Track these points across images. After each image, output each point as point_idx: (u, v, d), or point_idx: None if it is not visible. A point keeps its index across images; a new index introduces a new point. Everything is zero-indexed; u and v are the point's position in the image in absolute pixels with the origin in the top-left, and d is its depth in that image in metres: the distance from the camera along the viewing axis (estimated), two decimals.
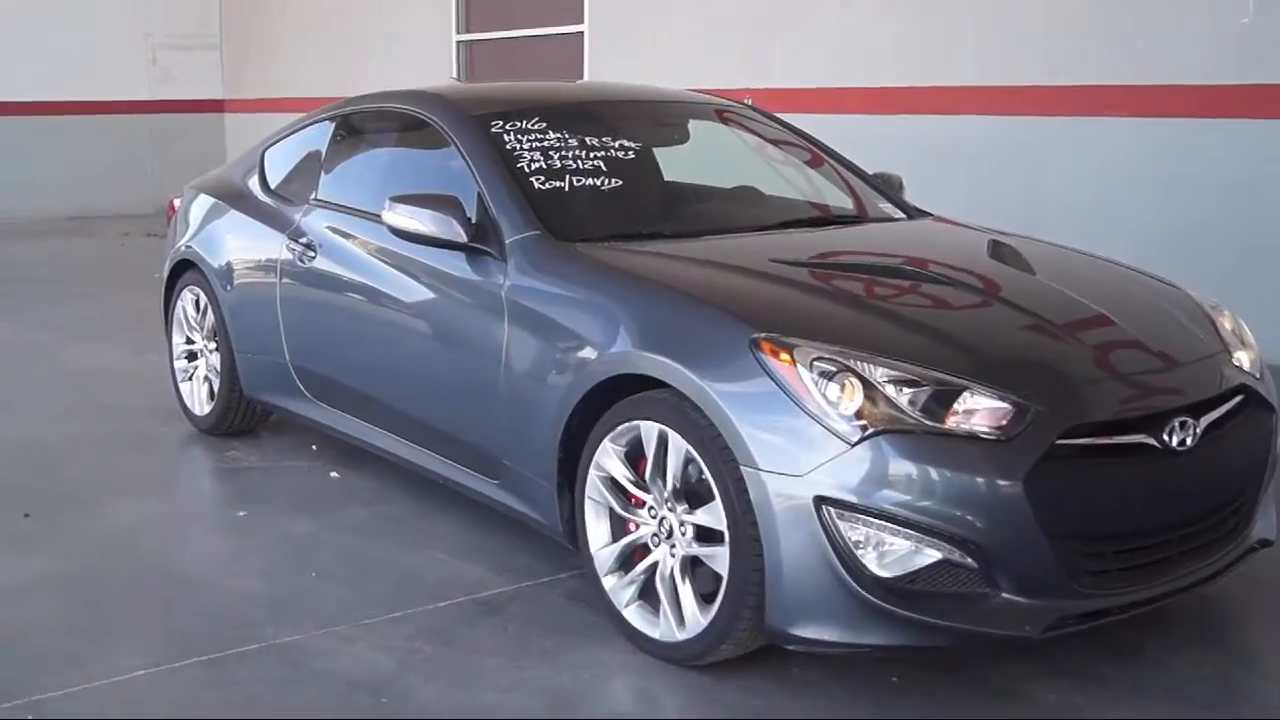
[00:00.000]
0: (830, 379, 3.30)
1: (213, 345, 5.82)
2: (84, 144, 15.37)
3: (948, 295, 3.96)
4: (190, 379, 6.03)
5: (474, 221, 4.27)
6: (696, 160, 5.14)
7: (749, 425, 3.35)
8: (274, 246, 5.32)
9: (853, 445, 3.24)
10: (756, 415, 3.36)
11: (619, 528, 3.81)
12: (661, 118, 5.18)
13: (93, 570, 4.38)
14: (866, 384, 3.31)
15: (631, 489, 3.74)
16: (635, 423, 3.66)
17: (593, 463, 3.79)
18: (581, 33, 11.45)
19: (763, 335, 3.43)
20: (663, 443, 3.59)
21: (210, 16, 16.42)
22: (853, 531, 3.26)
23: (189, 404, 6.01)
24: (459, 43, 12.95)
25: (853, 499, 3.24)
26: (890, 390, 3.32)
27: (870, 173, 5.24)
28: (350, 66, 14.04)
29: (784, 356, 3.36)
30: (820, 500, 3.25)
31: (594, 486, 3.81)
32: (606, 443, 3.74)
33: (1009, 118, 8.43)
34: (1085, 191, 7.81)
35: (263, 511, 4.94)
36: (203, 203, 6.02)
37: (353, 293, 4.90)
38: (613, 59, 11.03)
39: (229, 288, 5.58)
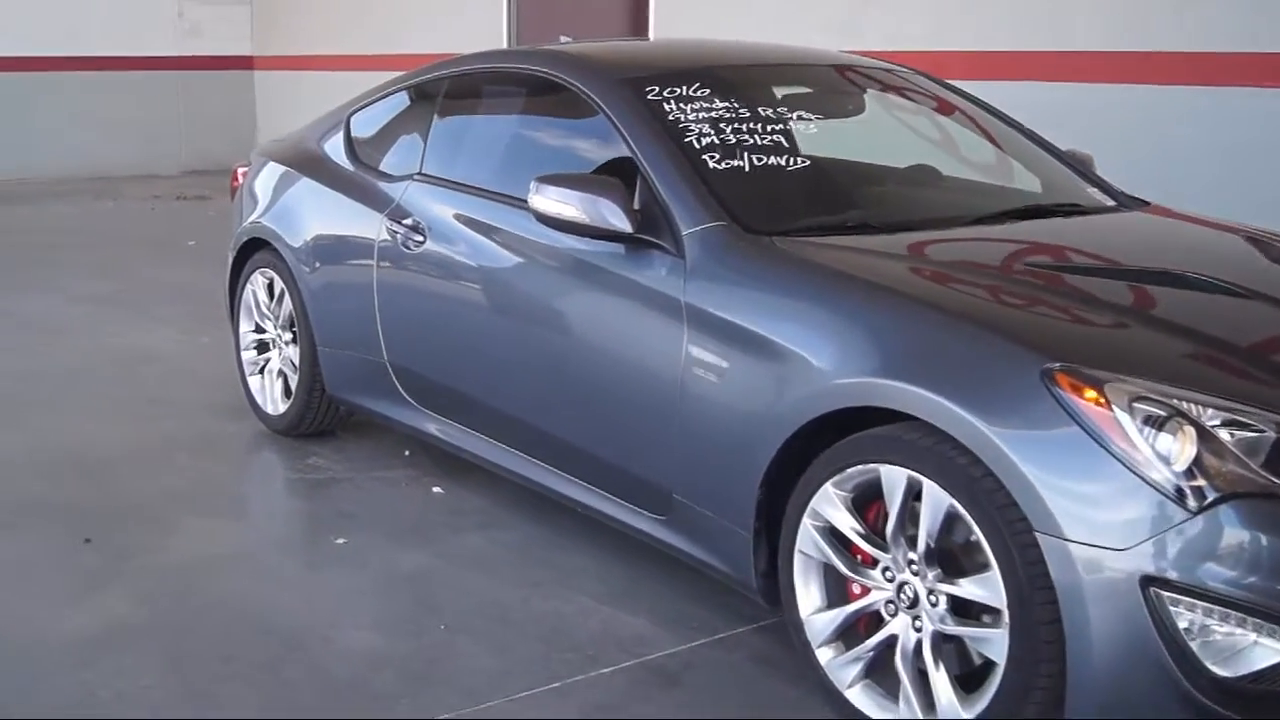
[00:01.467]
0: (1159, 426, 2.55)
1: (289, 336, 5.05)
2: (108, 102, 14.54)
3: (1251, 313, 3.19)
4: (261, 373, 5.26)
5: (638, 208, 3.49)
6: (868, 134, 4.36)
7: (1047, 481, 2.60)
8: (369, 226, 4.55)
9: (1195, 513, 2.49)
10: (1056, 468, 2.60)
11: (839, 590, 3.07)
12: (836, 85, 4.38)
13: (172, 618, 3.64)
14: (1202, 432, 2.55)
15: (861, 544, 2.98)
16: (873, 466, 2.90)
17: (808, 509, 3.04)
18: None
19: (1058, 366, 2.67)
20: (912, 493, 2.83)
21: None
22: (1186, 619, 2.52)
23: (260, 401, 5.25)
24: None
25: (1191, 580, 2.51)
26: (1226, 438, 2.56)
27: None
28: (391, 22, 13.23)
29: (1090, 394, 2.61)
30: (1148, 580, 2.51)
31: (808, 539, 3.06)
32: (829, 487, 2.99)
33: (1132, 86, 7.63)
34: (1216, 166, 7.00)
35: (362, 537, 4.19)
36: (276, 173, 5.24)
37: (474, 285, 4.14)
38: (684, 14, 10.21)
39: (311, 273, 4.80)
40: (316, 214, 4.88)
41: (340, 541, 4.16)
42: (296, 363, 4.96)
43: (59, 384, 5.97)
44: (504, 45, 11.84)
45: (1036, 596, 2.62)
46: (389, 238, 4.43)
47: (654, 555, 3.70)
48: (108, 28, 14.54)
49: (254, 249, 5.23)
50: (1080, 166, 4.37)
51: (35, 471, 4.78)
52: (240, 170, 5.55)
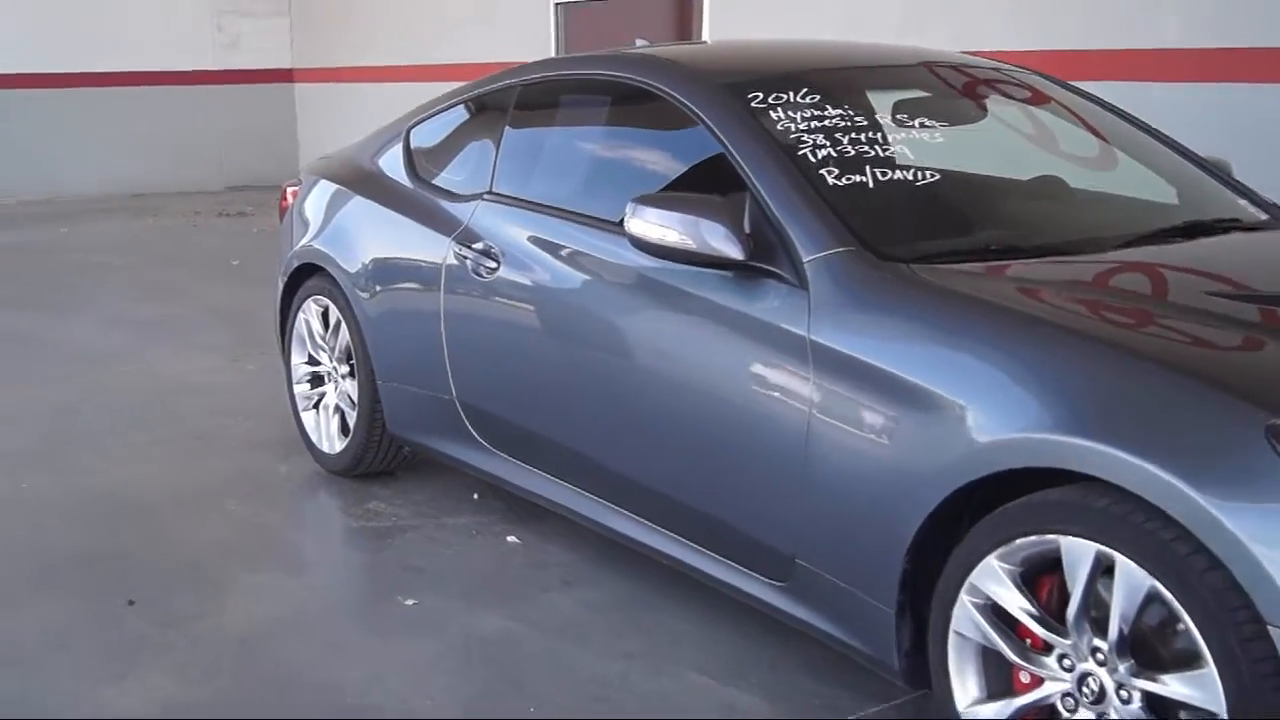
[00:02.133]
0: None
1: (346, 369, 4.64)
2: (147, 117, 14.24)
3: None
4: (316, 408, 4.85)
5: (748, 232, 3.04)
6: (988, 142, 3.89)
7: (1278, 560, 2.13)
8: (434, 251, 4.12)
9: None
10: None
11: (1002, 677, 2.62)
12: (952, 87, 3.91)
13: (232, 698, 3.21)
14: None
15: (1033, 626, 2.52)
16: (1051, 537, 2.44)
17: (966, 584, 2.58)
18: None
19: None
20: (1100, 569, 2.37)
21: None
22: None
23: (315, 439, 4.83)
24: (557, 5, 11.68)
25: None
26: None
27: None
28: (437, 32, 12.84)
29: None
30: None
31: (967, 618, 2.60)
32: (993, 560, 2.53)
33: (1222, 85, 7.12)
34: None
35: (434, 597, 3.76)
36: (328, 192, 4.83)
37: (556, 317, 3.71)
38: (740, 18, 9.77)
39: (370, 301, 4.38)
40: (375, 237, 4.46)
41: (410, 603, 3.73)
42: (355, 398, 4.53)
43: (98, 418, 5.58)
44: (552, 54, 11.43)
45: (1265, 699, 2.15)
46: (457, 263, 4.00)
47: (762, 620, 3.25)
48: (146, 43, 14.24)
49: (306, 275, 4.82)
50: (1221, 174, 3.89)
51: (72, 518, 4.38)
52: (289, 189, 5.13)
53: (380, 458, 4.62)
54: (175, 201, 13.52)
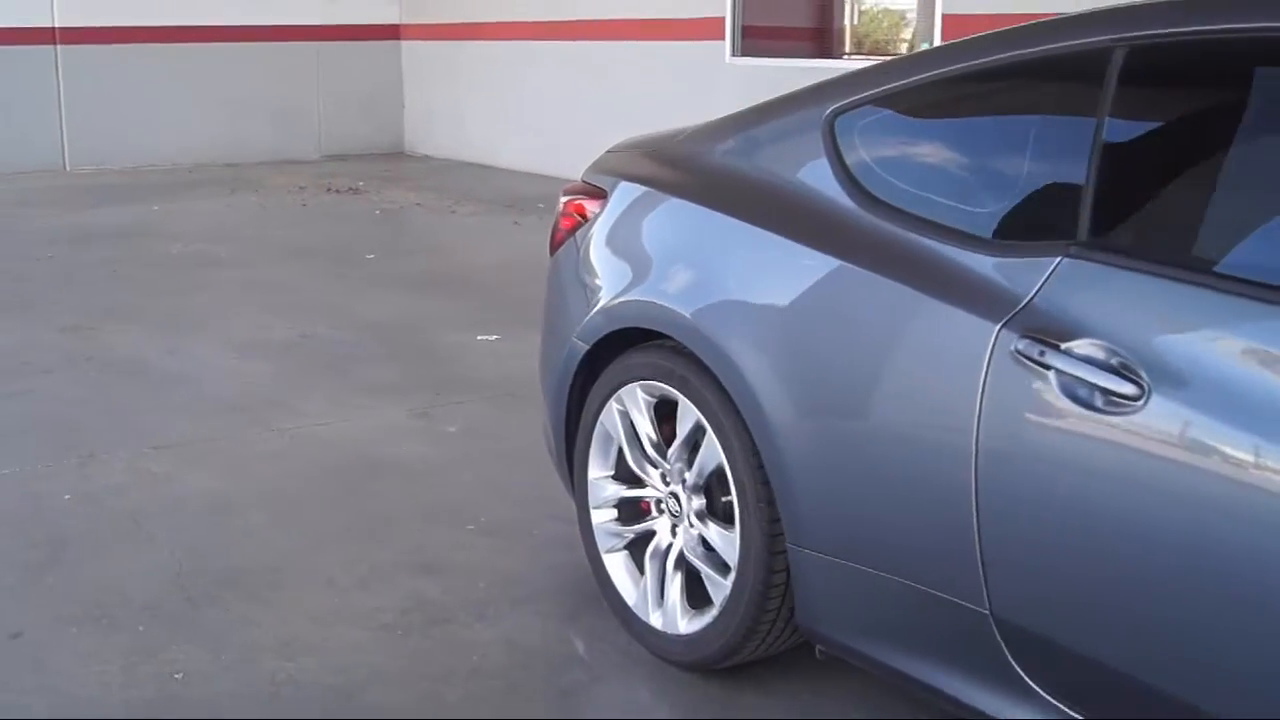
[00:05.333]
0: None
1: (700, 502, 2.70)
2: (238, 78, 12.30)
3: None
4: (627, 549, 2.93)
5: None
6: None
7: None
8: (953, 343, 2.19)
9: None
10: None
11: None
12: None
13: None
14: None
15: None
16: None
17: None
18: None
19: None
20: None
21: None
22: None
23: (632, 601, 2.93)
24: None
25: None
26: None
27: None
28: None
29: None
30: None
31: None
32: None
33: None
34: None
35: None
36: (674, 214, 2.89)
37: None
38: None
39: (782, 411, 2.44)
40: (794, 300, 2.53)
41: None
42: (730, 558, 2.60)
43: (258, 530, 3.67)
44: (728, 10, 9.42)
45: None
46: (1018, 372, 2.04)
47: None
48: None
49: (620, 342, 2.87)
50: None
51: None
52: (576, 200, 3.16)
53: (760, 647, 2.70)
54: (272, 173, 11.60)
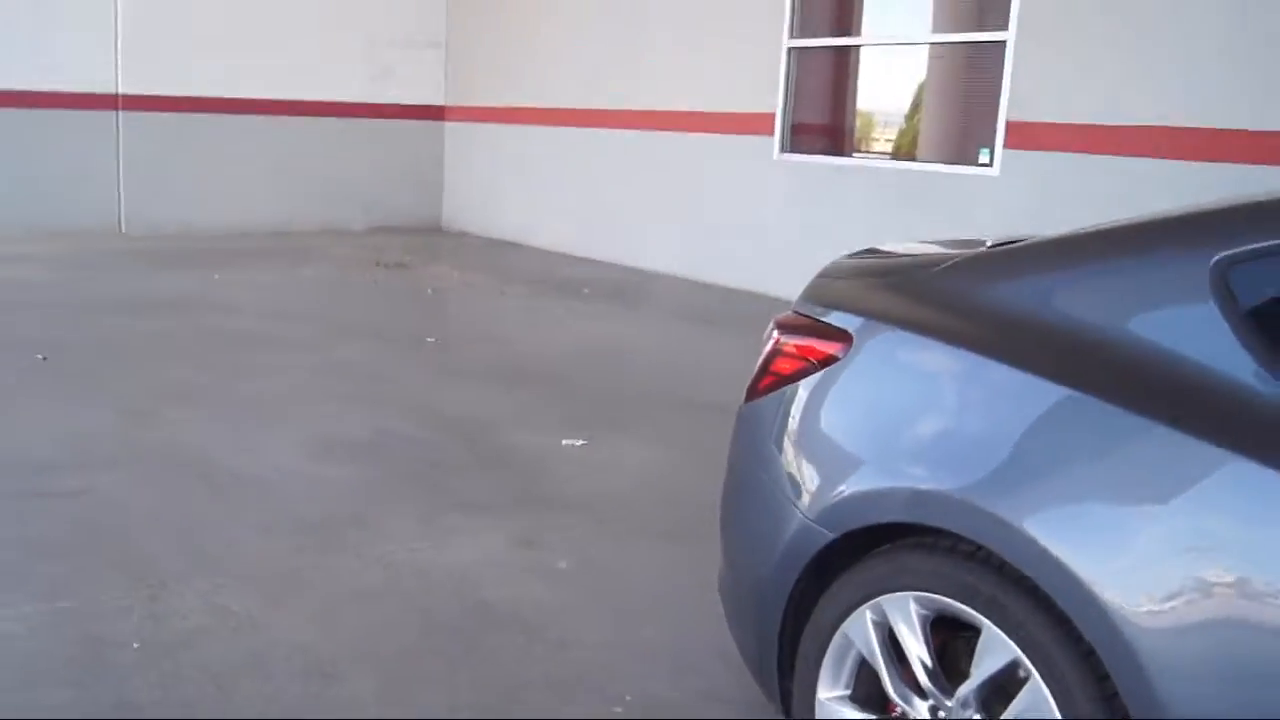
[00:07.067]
0: None
1: None
2: (290, 148, 11.56)
3: None
4: None
5: None
6: None
7: None
8: None
9: None
10: None
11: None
12: None
13: None
14: None
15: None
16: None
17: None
18: (1003, 42, 7.42)
19: None
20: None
21: (435, 12, 12.46)
22: None
23: None
24: (791, 49, 8.90)
25: None
26: None
27: None
28: (625, 74, 10.11)
29: None
30: None
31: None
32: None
33: None
34: None
35: None
36: (977, 380, 2.05)
37: None
38: (1050, 75, 7.05)
39: (1186, 686, 1.56)
40: (1191, 511, 1.66)
41: None
42: None
43: (347, 696, 2.85)
44: (779, 100, 8.68)
45: None
46: None
47: None
48: (294, 68, 11.52)
49: (882, 541, 2.03)
50: None
51: None
52: (802, 343, 2.31)
53: None
54: (320, 242, 10.79)
